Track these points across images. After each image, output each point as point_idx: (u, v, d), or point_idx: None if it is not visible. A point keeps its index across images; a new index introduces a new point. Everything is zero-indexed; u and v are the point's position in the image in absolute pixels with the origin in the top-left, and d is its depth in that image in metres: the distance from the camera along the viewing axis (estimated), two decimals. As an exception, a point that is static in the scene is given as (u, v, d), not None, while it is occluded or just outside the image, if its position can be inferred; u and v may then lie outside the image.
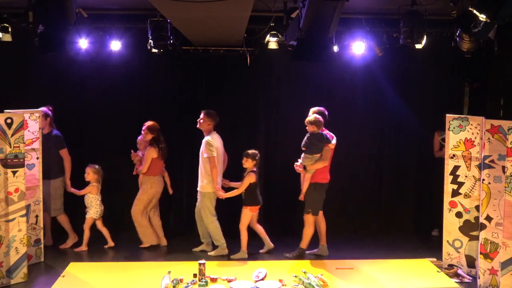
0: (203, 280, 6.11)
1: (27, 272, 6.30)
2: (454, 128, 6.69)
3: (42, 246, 6.95)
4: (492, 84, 8.24)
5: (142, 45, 7.34)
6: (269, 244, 7.37)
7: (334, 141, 6.96)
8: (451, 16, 6.21)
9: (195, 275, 6.23)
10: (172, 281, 6.01)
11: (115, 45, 7.44)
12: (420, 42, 6.52)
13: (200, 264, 6.17)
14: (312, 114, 6.96)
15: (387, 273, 6.61)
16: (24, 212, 6.29)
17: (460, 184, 6.67)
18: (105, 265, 6.89)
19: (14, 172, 6.17)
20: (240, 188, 7.14)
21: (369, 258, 7.12)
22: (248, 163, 7.13)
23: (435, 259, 7.03)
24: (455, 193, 6.70)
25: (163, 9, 5.75)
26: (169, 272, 6.15)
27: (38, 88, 7.88)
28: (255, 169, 7.17)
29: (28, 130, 6.69)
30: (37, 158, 6.82)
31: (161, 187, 7.51)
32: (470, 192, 6.62)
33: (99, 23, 7.19)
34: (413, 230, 8.32)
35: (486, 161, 6.24)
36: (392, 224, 8.35)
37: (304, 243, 7.08)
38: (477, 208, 6.50)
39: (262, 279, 6.23)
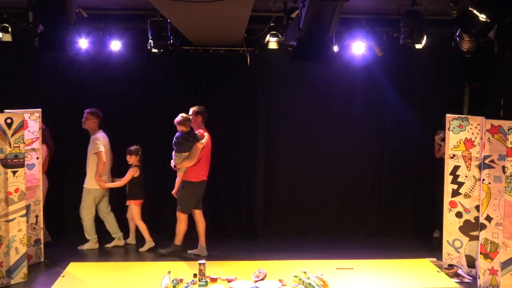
0: (203, 280, 6.11)
1: (27, 272, 6.30)
2: (454, 128, 6.69)
3: (42, 246, 6.95)
4: (492, 84, 8.23)
5: (142, 45, 7.34)
6: (132, 240, 7.65)
7: (203, 140, 6.99)
8: (451, 16, 6.20)
9: (195, 275, 6.23)
10: (172, 281, 6.01)
11: (115, 45, 7.43)
12: (420, 42, 6.52)
13: (200, 264, 6.17)
14: (189, 113, 7.12)
15: (387, 273, 6.61)
16: (24, 212, 6.29)
17: (460, 184, 6.67)
18: (105, 265, 6.89)
19: (14, 172, 6.17)
20: (122, 180, 7.42)
21: (369, 258, 7.13)
22: (132, 159, 7.46)
23: (435, 259, 7.03)
24: (455, 193, 6.70)
25: (163, 9, 5.75)
26: (169, 272, 6.15)
27: (38, 88, 7.88)
28: (138, 163, 7.46)
29: (28, 130, 6.69)
30: (37, 158, 6.82)
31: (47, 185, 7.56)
32: (470, 192, 6.62)
33: (99, 23, 7.19)
34: (413, 230, 8.32)
35: (486, 161, 6.24)
36: (392, 224, 8.35)
37: (177, 240, 7.14)
38: (477, 208, 6.50)
39: (262, 279, 6.23)
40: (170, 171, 7.47)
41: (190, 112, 7.12)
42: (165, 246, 7.28)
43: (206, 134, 7.10)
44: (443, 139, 7.38)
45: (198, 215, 7.20)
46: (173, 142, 7.05)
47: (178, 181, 7.11)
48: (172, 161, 7.14)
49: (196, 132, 7.04)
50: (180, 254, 7.15)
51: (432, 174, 7.99)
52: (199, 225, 7.20)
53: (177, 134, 7.04)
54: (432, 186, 7.94)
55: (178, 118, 6.99)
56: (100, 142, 7.34)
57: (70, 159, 7.96)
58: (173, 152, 7.08)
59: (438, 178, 7.49)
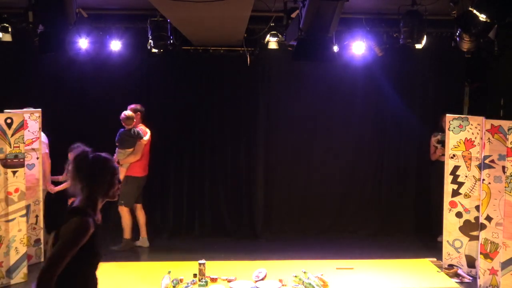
0: (203, 280, 6.11)
1: (27, 272, 6.30)
2: (454, 128, 6.69)
3: (42, 246, 6.95)
4: (492, 84, 8.23)
5: (142, 45, 7.35)
6: None
7: (146, 137, 7.33)
8: (451, 16, 6.20)
9: (195, 275, 6.23)
10: (172, 281, 6.01)
11: (115, 45, 7.43)
12: (420, 42, 6.52)
13: (200, 264, 6.17)
14: (123, 112, 7.31)
15: (387, 273, 6.61)
16: (24, 212, 6.29)
17: (460, 184, 6.67)
18: (105, 265, 6.83)
19: (14, 172, 6.17)
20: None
21: (369, 258, 7.12)
22: None
23: (435, 259, 7.03)
24: (455, 193, 6.70)
25: (163, 9, 5.75)
26: (169, 272, 6.15)
27: (38, 88, 7.88)
28: None
29: (28, 130, 6.69)
30: (37, 158, 6.82)
31: None
32: (470, 192, 6.62)
33: (99, 23, 7.19)
34: (413, 230, 8.31)
35: (486, 161, 6.23)
36: (392, 224, 8.34)
37: (126, 234, 7.33)
38: (477, 208, 6.49)
39: (262, 279, 6.23)
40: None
41: (135, 112, 7.36)
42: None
43: (148, 131, 7.37)
44: (439, 141, 7.37)
45: (139, 209, 7.44)
46: (116, 139, 7.25)
47: (121, 177, 7.16)
48: (114, 157, 7.25)
49: (139, 129, 7.27)
50: (132, 246, 7.37)
51: (429, 177, 7.96)
52: (141, 219, 7.45)
53: (120, 131, 7.27)
54: (429, 190, 7.92)
55: (122, 115, 7.22)
56: (44, 143, 7.19)
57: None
58: (116, 148, 7.26)
59: (434, 182, 7.51)
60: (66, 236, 2.95)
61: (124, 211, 7.30)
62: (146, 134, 7.35)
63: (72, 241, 2.93)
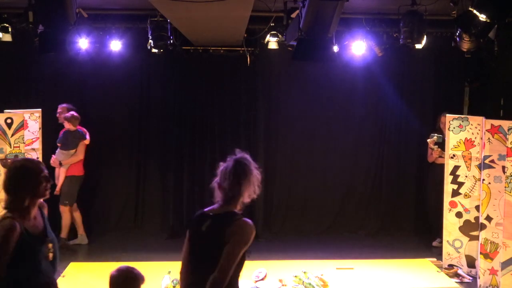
0: (203, 280, 6.10)
1: (27, 272, 6.29)
2: (454, 128, 6.69)
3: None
4: (492, 84, 8.23)
5: (142, 45, 7.33)
6: None
7: (88, 137, 7.44)
8: (451, 16, 6.20)
9: (195, 275, 6.21)
10: (172, 281, 5.99)
11: (115, 45, 7.41)
12: (420, 42, 6.51)
13: (200, 264, 6.16)
14: (69, 112, 7.34)
15: (387, 273, 6.61)
16: (24, 212, 6.28)
17: (460, 184, 6.67)
18: (105, 265, 6.87)
19: (14, 172, 6.16)
20: None
21: (369, 258, 7.12)
22: None
23: (435, 259, 7.03)
24: (455, 193, 6.70)
25: (163, 9, 5.75)
26: (169, 272, 6.14)
27: (38, 88, 7.88)
28: None
29: (28, 130, 6.69)
30: (37, 158, 6.81)
31: None
32: (470, 192, 6.62)
33: (99, 23, 7.17)
34: (413, 230, 8.32)
35: (486, 161, 6.24)
36: (392, 224, 8.35)
37: (64, 233, 7.37)
38: (477, 208, 6.49)
39: (262, 279, 6.22)
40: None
41: (59, 110, 7.40)
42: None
43: (87, 131, 7.48)
44: (436, 143, 7.36)
45: (75, 206, 7.49)
46: (60, 139, 7.29)
47: (61, 178, 7.30)
48: (54, 158, 7.32)
49: (81, 129, 7.36)
50: (67, 245, 7.36)
51: (427, 179, 7.96)
52: (77, 217, 7.50)
53: (64, 131, 7.30)
54: (427, 193, 7.92)
55: (68, 115, 7.23)
56: None
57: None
58: (58, 149, 7.30)
59: (430, 184, 7.50)
60: (239, 240, 3.10)
61: (66, 211, 7.34)
62: (87, 134, 7.43)
63: (244, 245, 3.12)
